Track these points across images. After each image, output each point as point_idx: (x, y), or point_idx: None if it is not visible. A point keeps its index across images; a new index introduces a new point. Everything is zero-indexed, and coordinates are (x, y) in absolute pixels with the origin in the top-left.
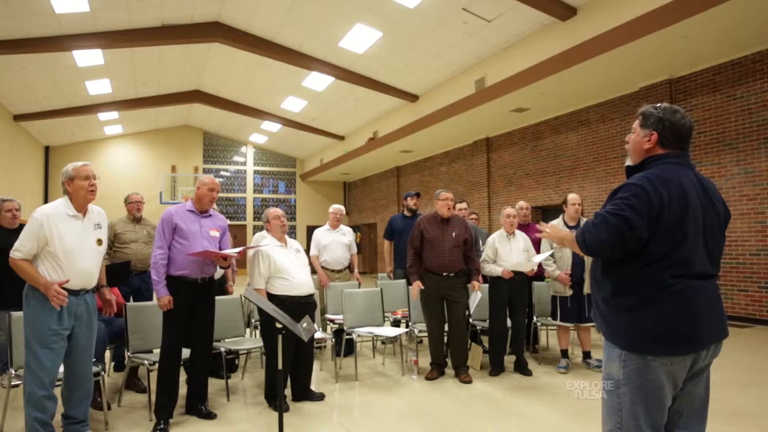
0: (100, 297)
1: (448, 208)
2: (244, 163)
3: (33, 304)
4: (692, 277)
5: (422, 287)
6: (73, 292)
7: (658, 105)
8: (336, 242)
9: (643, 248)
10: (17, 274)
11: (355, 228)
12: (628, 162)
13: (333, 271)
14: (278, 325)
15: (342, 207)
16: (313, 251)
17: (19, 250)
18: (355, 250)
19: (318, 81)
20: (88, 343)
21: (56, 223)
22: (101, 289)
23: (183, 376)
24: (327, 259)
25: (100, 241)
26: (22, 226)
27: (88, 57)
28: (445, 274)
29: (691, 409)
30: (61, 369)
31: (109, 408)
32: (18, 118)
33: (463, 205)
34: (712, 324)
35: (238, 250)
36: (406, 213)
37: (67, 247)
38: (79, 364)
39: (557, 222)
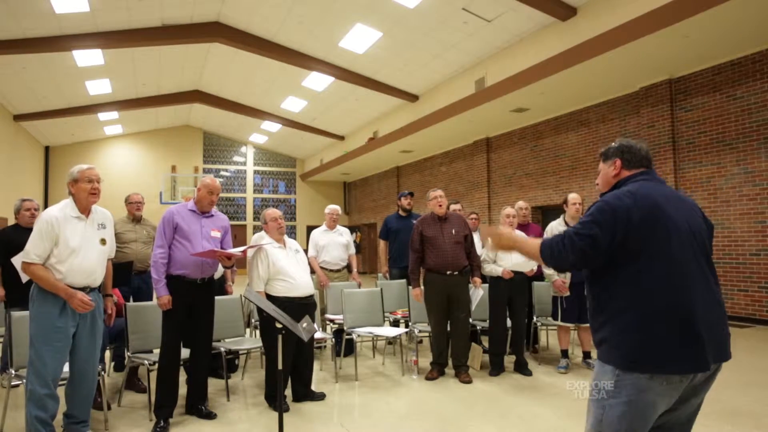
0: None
1: (440, 206)
2: (244, 163)
3: (39, 302)
4: (687, 287)
5: (420, 300)
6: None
7: (613, 142)
8: (333, 242)
9: (628, 262)
10: (34, 281)
11: (355, 228)
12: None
13: (331, 270)
14: (278, 325)
15: (338, 207)
16: (311, 252)
17: (37, 254)
18: (353, 250)
19: (318, 81)
20: (93, 342)
21: (63, 223)
22: (105, 298)
23: (183, 376)
24: (326, 259)
25: (104, 241)
26: None
27: (88, 57)
28: (449, 272)
29: (677, 421)
30: (66, 368)
31: (109, 408)
32: (18, 118)
33: (458, 206)
34: (712, 344)
35: (241, 249)
36: (401, 213)
37: (72, 247)
38: (83, 363)
39: (557, 222)
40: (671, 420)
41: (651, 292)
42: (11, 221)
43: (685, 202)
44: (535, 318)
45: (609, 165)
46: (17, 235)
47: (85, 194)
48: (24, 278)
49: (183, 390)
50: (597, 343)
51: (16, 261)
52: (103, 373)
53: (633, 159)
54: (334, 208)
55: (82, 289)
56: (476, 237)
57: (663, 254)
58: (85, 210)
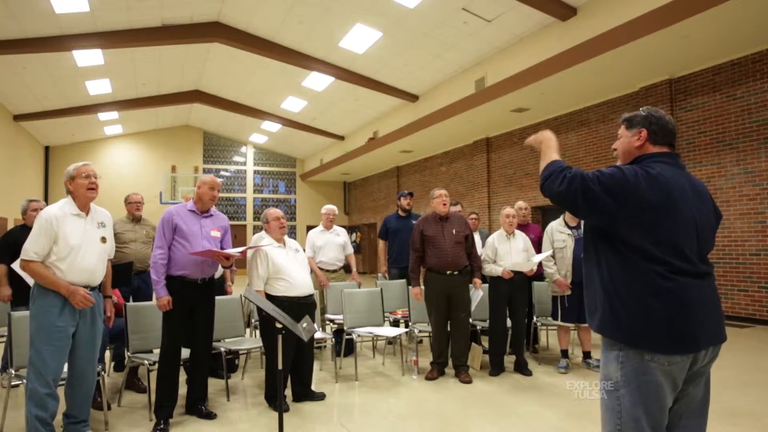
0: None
1: (444, 204)
2: (244, 163)
3: (39, 301)
4: (685, 275)
5: (419, 299)
6: None
7: (640, 109)
8: (330, 243)
9: (630, 243)
10: (33, 278)
11: (355, 228)
12: (618, 163)
13: (328, 271)
14: (278, 325)
15: (334, 207)
16: (308, 252)
17: (35, 252)
18: (350, 250)
19: (318, 81)
20: (92, 341)
21: (62, 221)
22: (105, 299)
23: (183, 376)
24: (322, 260)
25: (104, 239)
26: None
27: (88, 57)
28: (449, 272)
29: (690, 410)
30: (65, 368)
31: (109, 408)
32: (18, 118)
33: (457, 207)
34: (709, 326)
35: (240, 249)
36: (400, 213)
37: (72, 245)
38: (82, 363)
39: (557, 223)
40: (685, 410)
41: (651, 275)
42: (11, 221)
43: (700, 194)
44: (535, 318)
45: (633, 134)
46: (24, 235)
47: (84, 190)
48: (30, 280)
49: (183, 390)
50: (591, 313)
51: (17, 266)
52: (103, 373)
53: (660, 133)
54: (331, 208)
55: (83, 287)
56: (477, 237)
57: (666, 243)
58: (84, 207)
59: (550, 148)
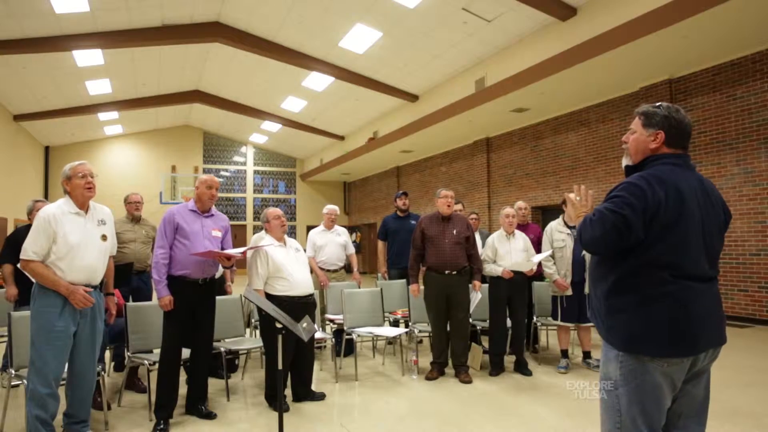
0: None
1: (448, 206)
2: (244, 163)
3: (39, 302)
4: (690, 279)
5: (417, 295)
6: None
7: (659, 104)
8: (331, 242)
9: (639, 247)
10: (33, 278)
11: (355, 228)
12: (627, 161)
13: (329, 271)
14: (278, 325)
15: (336, 207)
16: (308, 252)
17: (34, 251)
18: (352, 249)
19: (318, 81)
20: (92, 341)
21: (61, 220)
22: (106, 296)
23: (183, 376)
24: (323, 259)
25: (104, 237)
26: None
27: (88, 57)
28: (447, 272)
29: (690, 410)
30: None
31: (109, 408)
32: (18, 118)
33: (459, 206)
34: (709, 329)
35: (241, 250)
36: (398, 213)
37: (71, 243)
38: (82, 362)
39: (557, 223)
40: (684, 410)
41: (657, 278)
42: (11, 221)
43: (709, 196)
44: (535, 318)
45: (650, 134)
46: None
47: (81, 190)
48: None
49: (183, 390)
50: (595, 316)
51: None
52: (103, 373)
53: (677, 136)
54: (332, 208)
55: (84, 286)
56: (477, 237)
57: (675, 247)
58: (82, 206)
59: (578, 217)
